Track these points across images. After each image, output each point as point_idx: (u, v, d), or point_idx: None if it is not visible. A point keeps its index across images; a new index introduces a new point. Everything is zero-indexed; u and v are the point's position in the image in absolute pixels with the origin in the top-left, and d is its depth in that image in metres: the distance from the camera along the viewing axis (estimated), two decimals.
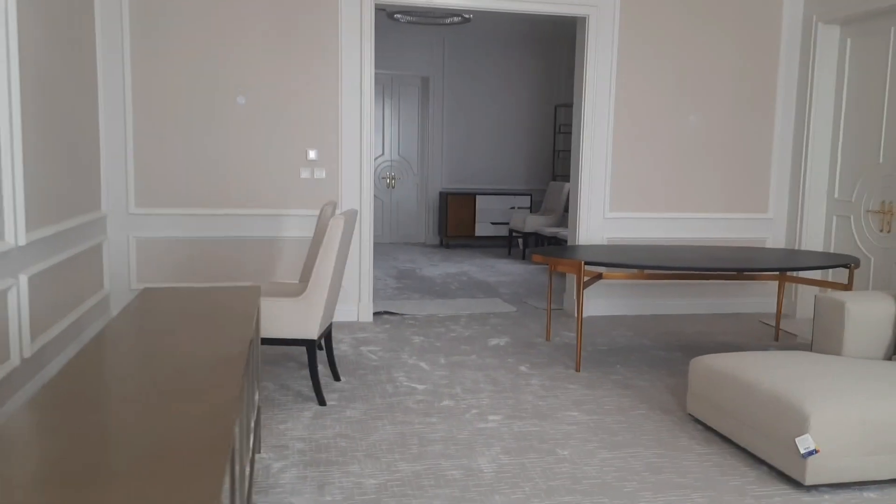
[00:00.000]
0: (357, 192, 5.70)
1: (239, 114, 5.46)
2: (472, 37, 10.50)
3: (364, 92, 5.60)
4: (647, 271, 4.91)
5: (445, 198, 10.23)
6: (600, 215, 6.08)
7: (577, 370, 4.61)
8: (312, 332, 3.84)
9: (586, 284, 4.70)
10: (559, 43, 10.71)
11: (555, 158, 10.78)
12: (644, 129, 6.08)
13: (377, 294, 6.80)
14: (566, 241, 8.34)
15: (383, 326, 5.66)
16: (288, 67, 5.49)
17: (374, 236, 10.63)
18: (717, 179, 6.27)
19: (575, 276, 4.68)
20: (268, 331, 3.82)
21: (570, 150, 10.67)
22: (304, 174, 5.60)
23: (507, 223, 10.21)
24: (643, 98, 6.05)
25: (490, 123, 10.71)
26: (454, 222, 10.25)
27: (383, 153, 10.64)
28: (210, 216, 5.50)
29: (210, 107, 5.42)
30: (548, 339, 5.36)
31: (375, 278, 7.69)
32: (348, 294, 5.77)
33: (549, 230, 8.95)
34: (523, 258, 9.39)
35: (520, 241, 9.69)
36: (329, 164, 5.64)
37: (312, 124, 5.57)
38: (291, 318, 3.81)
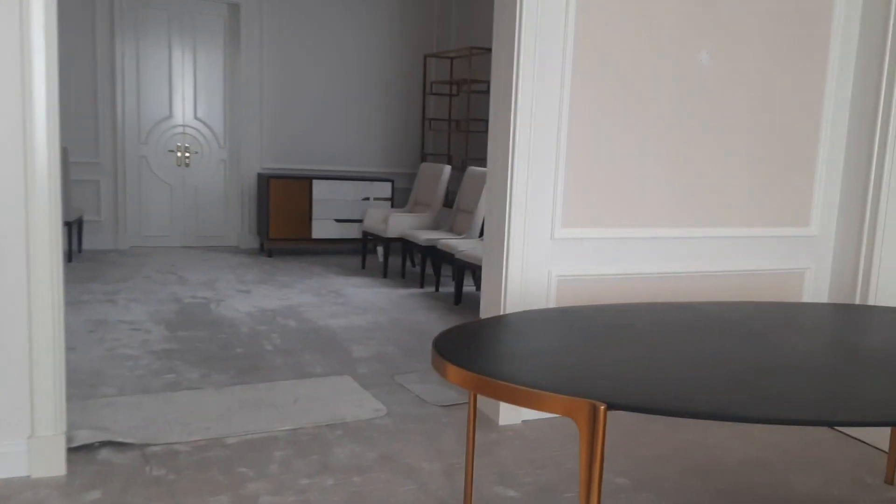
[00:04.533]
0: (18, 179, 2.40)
1: None
2: None
3: None
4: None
5: (266, 182, 6.96)
6: (544, 235, 3.15)
7: None
8: None
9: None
10: None
11: (424, 130, 7.79)
12: (623, 88, 3.19)
13: (117, 373, 3.51)
14: (454, 256, 5.40)
15: (82, 499, 2.42)
16: None
17: (159, 237, 7.17)
18: (739, 169, 3.54)
19: (577, 424, 1.73)
20: None
21: (446, 120, 7.76)
22: None
23: (360, 221, 7.13)
24: (622, 34, 3.16)
25: (331, 78, 7.53)
26: (280, 218, 7.01)
27: (171, 115, 7.15)
28: None
29: None
30: None
31: (130, 326, 4.36)
32: None
33: (426, 236, 5.96)
34: (385, 276, 6.33)
35: (380, 250, 6.62)
36: None
37: None
38: None
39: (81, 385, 3.38)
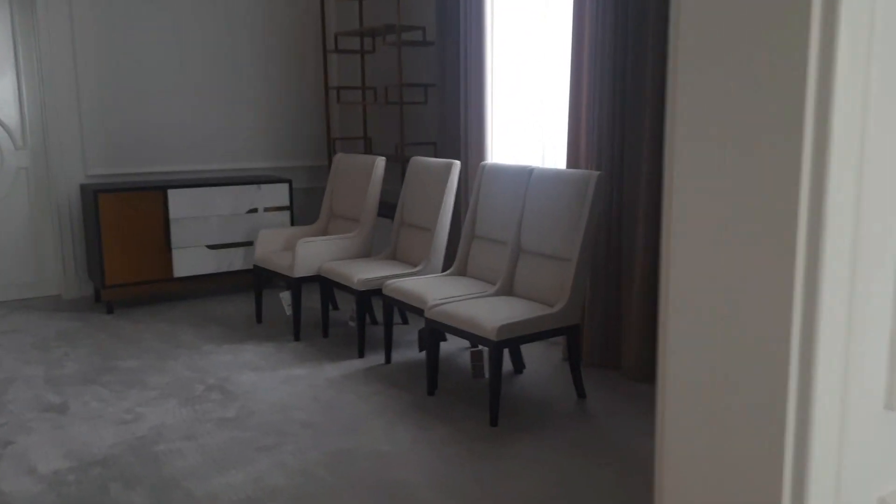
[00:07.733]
0: None
1: None
2: None
3: None
4: None
5: (94, 198, 4.47)
6: (873, 402, 1.05)
7: None
8: None
9: None
10: None
11: (328, 108, 5.45)
12: None
13: None
14: (424, 313, 3.21)
15: None
16: None
17: None
18: None
19: None
20: None
21: (359, 88, 5.38)
22: None
23: (247, 244, 4.78)
24: None
25: (186, 37, 5.07)
26: (120, 252, 4.55)
27: None
28: None
29: None
30: None
31: None
32: None
33: (363, 275, 3.72)
34: (297, 338, 4.05)
35: (284, 296, 4.25)
36: None
37: None
38: None
39: None
